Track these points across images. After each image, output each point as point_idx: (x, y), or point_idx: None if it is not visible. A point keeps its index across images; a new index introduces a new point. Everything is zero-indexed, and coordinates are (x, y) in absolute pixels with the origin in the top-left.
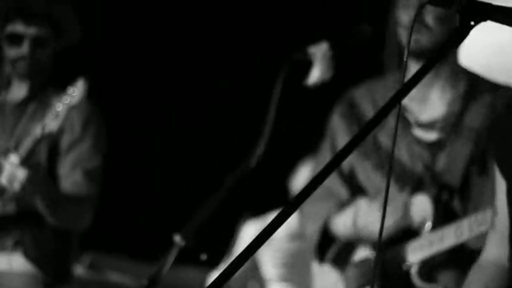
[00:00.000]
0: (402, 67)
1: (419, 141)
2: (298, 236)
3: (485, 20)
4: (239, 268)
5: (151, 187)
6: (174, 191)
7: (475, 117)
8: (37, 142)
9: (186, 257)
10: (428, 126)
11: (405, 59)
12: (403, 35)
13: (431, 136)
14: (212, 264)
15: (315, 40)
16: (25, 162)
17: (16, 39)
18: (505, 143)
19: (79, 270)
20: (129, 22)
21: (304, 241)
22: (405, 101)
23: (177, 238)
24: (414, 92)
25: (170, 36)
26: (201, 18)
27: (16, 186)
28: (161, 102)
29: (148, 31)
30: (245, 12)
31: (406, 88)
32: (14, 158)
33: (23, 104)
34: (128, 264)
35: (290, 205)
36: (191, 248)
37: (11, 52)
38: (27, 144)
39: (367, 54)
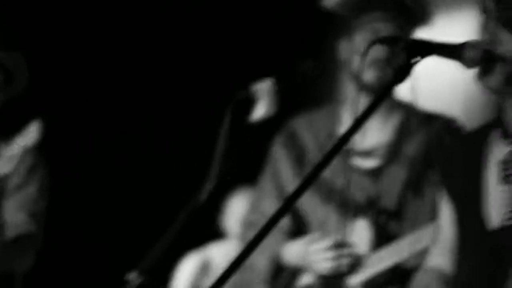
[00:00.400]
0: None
1: (358, 169)
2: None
3: (428, 55)
4: None
5: (97, 229)
6: (121, 232)
7: (410, 145)
8: None
9: None
10: (367, 154)
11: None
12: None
13: (369, 163)
14: None
15: (260, 76)
16: None
17: None
18: (448, 168)
19: None
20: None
21: (249, 273)
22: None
23: (133, 276)
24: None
25: (114, 81)
26: (149, 57)
27: None
28: (107, 145)
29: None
30: (192, 52)
31: (356, 124)
32: None
33: None
34: None
35: (251, 243)
36: (147, 284)
37: None
38: None
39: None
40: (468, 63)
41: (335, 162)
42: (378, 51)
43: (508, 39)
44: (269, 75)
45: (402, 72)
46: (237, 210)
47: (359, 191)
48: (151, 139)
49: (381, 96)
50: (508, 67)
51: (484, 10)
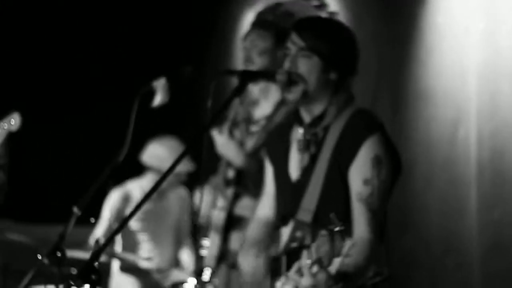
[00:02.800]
0: None
1: None
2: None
3: (253, 79)
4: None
5: (50, 170)
6: (70, 175)
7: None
8: None
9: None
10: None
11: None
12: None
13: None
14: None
15: (158, 75)
16: None
17: None
18: (271, 143)
19: None
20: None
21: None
22: None
23: (75, 209)
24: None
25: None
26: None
27: None
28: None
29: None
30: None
31: (210, 122)
32: None
33: None
34: (22, 227)
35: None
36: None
37: None
38: None
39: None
40: (279, 84)
41: None
42: (253, 49)
43: (304, 63)
44: (163, 75)
45: (237, 90)
46: (152, 151)
47: None
48: (89, 120)
49: (223, 106)
50: (303, 86)
51: (290, 42)
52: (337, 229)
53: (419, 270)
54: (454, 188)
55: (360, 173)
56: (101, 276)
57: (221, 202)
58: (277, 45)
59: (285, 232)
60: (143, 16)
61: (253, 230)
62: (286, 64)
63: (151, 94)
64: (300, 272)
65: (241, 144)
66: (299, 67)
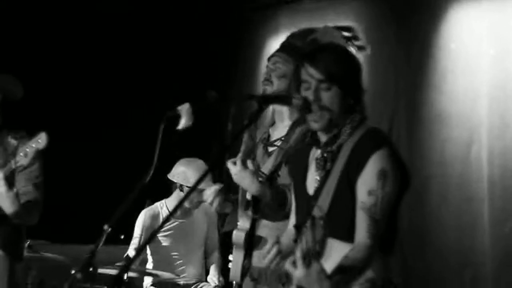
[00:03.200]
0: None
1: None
2: None
3: (271, 103)
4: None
5: (81, 192)
6: (99, 196)
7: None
8: (11, 172)
9: (110, 239)
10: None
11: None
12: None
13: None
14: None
15: (183, 99)
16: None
17: None
18: (292, 162)
19: None
20: None
21: None
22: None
23: (105, 227)
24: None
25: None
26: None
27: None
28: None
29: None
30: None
31: (231, 143)
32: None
33: None
34: (57, 247)
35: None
36: (114, 232)
37: None
38: (5, 172)
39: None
40: (295, 107)
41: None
42: (273, 72)
43: (327, 96)
44: (187, 100)
45: (256, 113)
46: (177, 170)
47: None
48: (119, 143)
49: (246, 124)
50: (329, 115)
51: (306, 74)
52: (317, 216)
53: (437, 284)
54: (468, 205)
55: (365, 185)
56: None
57: (241, 223)
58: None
59: None
60: (170, 41)
61: (285, 240)
62: (309, 96)
63: (177, 117)
64: (294, 265)
65: (261, 164)
66: (322, 99)
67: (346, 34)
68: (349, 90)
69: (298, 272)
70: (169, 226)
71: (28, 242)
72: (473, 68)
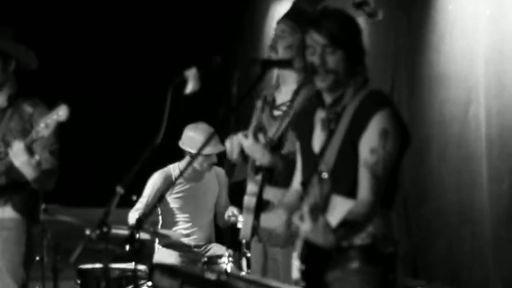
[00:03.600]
0: None
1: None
2: None
3: (273, 67)
4: None
5: (95, 157)
6: (110, 159)
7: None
8: (32, 142)
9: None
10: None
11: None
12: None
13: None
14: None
15: (189, 64)
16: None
17: None
18: (298, 121)
19: None
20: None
21: None
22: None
23: (118, 188)
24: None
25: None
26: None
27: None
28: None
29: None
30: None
31: (236, 105)
32: (20, 145)
33: (2, 111)
34: (71, 210)
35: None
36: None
37: None
38: (27, 141)
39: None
40: (297, 71)
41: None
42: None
43: (332, 59)
44: (194, 65)
45: (259, 78)
46: (186, 135)
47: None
48: (127, 107)
49: (250, 88)
50: (334, 77)
51: (310, 40)
52: (324, 175)
53: (437, 239)
54: (467, 163)
55: (368, 143)
56: (143, 245)
57: (251, 188)
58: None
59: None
60: (175, 9)
61: (289, 199)
62: (316, 61)
63: (184, 82)
64: (301, 218)
65: (266, 127)
66: (328, 63)
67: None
68: (352, 53)
69: (305, 226)
70: (180, 189)
71: (43, 206)
72: (470, 29)
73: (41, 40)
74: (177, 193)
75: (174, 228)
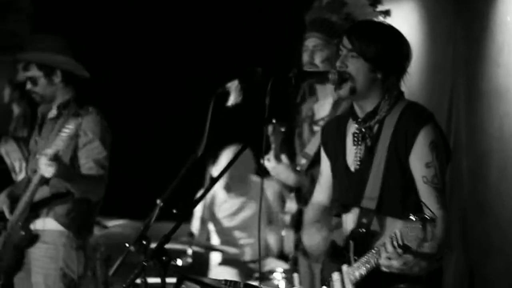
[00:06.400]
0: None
1: None
2: None
3: (306, 79)
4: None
5: (137, 170)
6: (152, 172)
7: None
8: (74, 150)
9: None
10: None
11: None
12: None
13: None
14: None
15: (231, 77)
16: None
17: (32, 80)
18: (326, 136)
19: None
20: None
21: None
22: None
23: (158, 201)
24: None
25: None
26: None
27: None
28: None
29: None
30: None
31: (268, 117)
32: (49, 151)
33: (53, 120)
34: (123, 223)
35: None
36: (167, 207)
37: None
38: (56, 145)
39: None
40: (331, 82)
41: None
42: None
43: (353, 63)
44: (236, 77)
45: (294, 88)
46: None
47: None
48: (172, 119)
49: (284, 100)
50: (351, 83)
51: (342, 45)
52: (428, 216)
53: (495, 256)
54: None
55: (421, 159)
56: (171, 258)
57: (288, 205)
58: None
59: (349, 219)
60: (216, 21)
61: (309, 213)
62: (337, 64)
63: (226, 94)
64: (388, 257)
65: (306, 143)
66: (348, 66)
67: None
68: (377, 65)
69: (395, 263)
70: (228, 205)
71: (97, 219)
72: None
73: (90, 52)
74: (225, 209)
75: (226, 245)
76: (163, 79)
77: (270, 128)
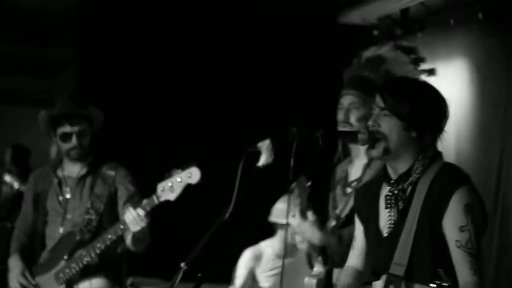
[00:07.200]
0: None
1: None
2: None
3: (336, 138)
4: None
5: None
6: (177, 234)
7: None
8: (154, 206)
9: (188, 277)
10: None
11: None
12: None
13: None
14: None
15: (263, 137)
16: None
17: (66, 136)
18: (358, 200)
19: None
20: None
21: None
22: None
23: (182, 264)
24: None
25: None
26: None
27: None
28: None
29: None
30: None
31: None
32: (140, 211)
33: (82, 178)
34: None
35: None
36: (191, 270)
37: (65, 146)
38: (146, 205)
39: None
40: (360, 143)
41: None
42: (352, 114)
43: (385, 121)
44: (268, 137)
45: (320, 149)
46: (275, 208)
47: None
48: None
49: (310, 160)
50: (385, 143)
51: (375, 104)
52: (446, 285)
53: None
54: None
55: (455, 222)
56: None
57: (316, 268)
58: None
59: (377, 286)
60: (256, 74)
61: (343, 278)
62: (369, 123)
63: (257, 154)
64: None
65: (339, 205)
66: (381, 125)
67: (412, 56)
68: (411, 123)
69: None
70: (273, 266)
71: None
72: None
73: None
74: (270, 270)
75: None
76: (185, 141)
77: (294, 185)
